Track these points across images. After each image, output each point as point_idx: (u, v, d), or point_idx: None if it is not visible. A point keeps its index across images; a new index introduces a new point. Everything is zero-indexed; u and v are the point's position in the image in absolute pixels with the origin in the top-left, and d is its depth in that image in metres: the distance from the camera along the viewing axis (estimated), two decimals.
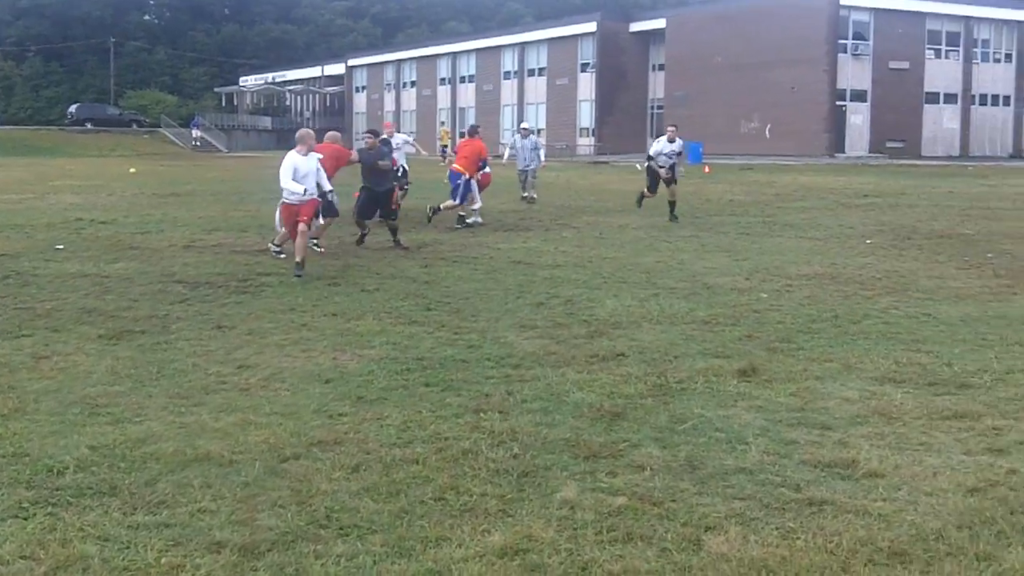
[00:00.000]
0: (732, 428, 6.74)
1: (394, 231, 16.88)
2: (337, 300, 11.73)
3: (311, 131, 14.75)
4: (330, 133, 17.95)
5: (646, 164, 23.19)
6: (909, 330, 10.09)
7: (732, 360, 8.68)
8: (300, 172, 13.98)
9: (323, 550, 4.84)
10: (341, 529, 5.09)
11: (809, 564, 4.64)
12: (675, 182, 22.23)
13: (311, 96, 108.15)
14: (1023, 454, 6.24)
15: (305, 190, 13.86)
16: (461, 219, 20.21)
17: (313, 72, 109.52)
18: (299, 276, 13.13)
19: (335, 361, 8.67)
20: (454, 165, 20.73)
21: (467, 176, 20.17)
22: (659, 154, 22.31)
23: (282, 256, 14.85)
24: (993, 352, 9.06)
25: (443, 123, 79.25)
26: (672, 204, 21.99)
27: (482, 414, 7.01)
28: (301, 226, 13.66)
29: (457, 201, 20.26)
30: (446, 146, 58.70)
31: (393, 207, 17.07)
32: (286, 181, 13.87)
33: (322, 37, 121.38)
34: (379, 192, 16.78)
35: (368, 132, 18.09)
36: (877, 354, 8.96)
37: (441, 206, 20.41)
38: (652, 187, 22.65)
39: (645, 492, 5.54)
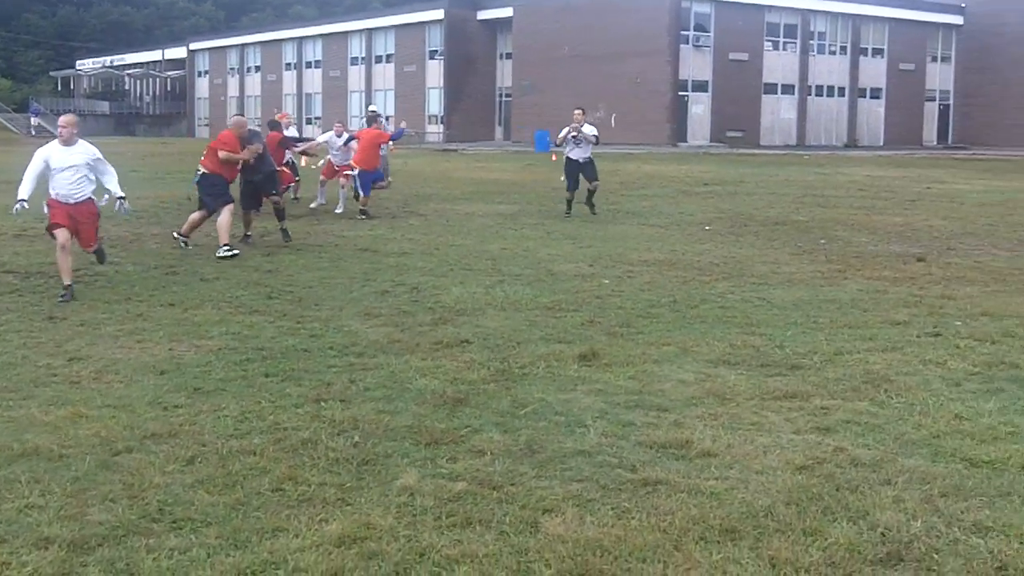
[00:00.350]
0: (572, 411, 6.83)
1: (280, 213, 16.06)
2: (175, 289, 11.47)
3: (74, 116, 11.69)
4: (235, 118, 15.90)
5: (564, 158, 21.08)
6: (744, 314, 10.36)
7: (574, 345, 8.78)
8: (53, 167, 11.10)
9: (155, 544, 4.74)
10: (174, 522, 4.99)
11: (643, 543, 4.73)
12: (596, 178, 20.62)
13: (151, 80, 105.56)
14: (849, 432, 6.47)
15: (20, 205, 11.08)
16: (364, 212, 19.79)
17: (153, 56, 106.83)
18: (64, 299, 10.73)
19: (171, 352, 8.48)
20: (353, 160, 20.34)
21: (358, 169, 19.78)
22: (572, 142, 20.47)
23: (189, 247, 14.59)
24: (823, 334, 9.37)
25: (277, 110, 78.27)
26: (591, 193, 20.54)
27: (323, 403, 6.94)
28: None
29: (362, 193, 19.87)
30: None
31: (281, 188, 16.52)
32: (25, 179, 11.13)
33: (162, 20, 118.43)
34: (257, 180, 15.52)
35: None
36: (713, 337, 9.18)
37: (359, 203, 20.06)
38: (571, 185, 20.53)
39: (485, 477, 5.57)
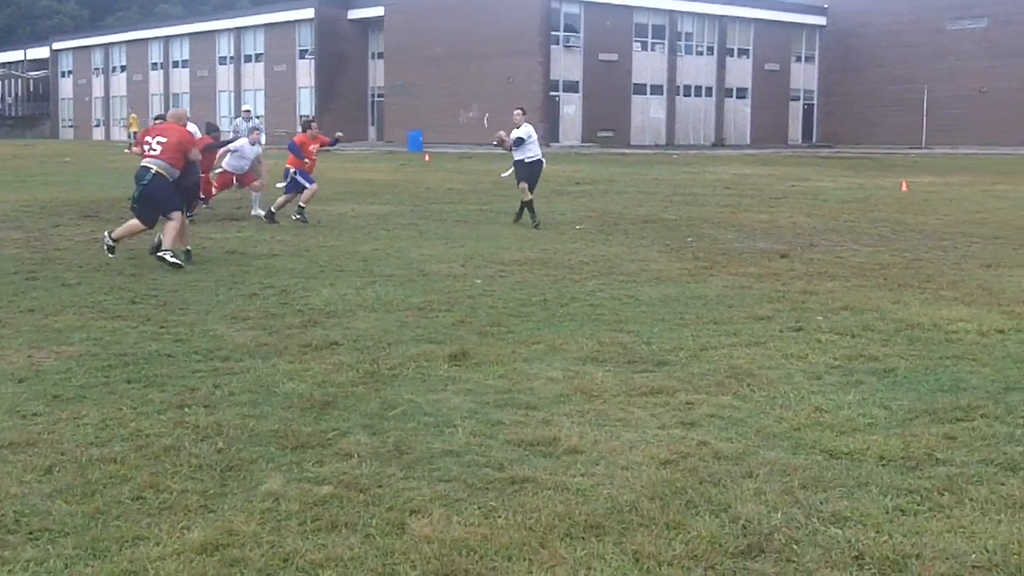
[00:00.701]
0: (441, 412, 6.82)
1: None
2: (35, 295, 11.13)
3: None
4: (174, 111, 14.57)
5: (511, 165, 19.56)
6: (613, 311, 10.48)
7: (444, 345, 8.77)
8: None
9: (11, 556, 4.59)
10: (31, 533, 4.84)
11: (509, 541, 4.74)
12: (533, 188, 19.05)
13: (13, 81, 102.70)
14: (713, 426, 6.59)
15: None
16: (300, 209, 18.71)
17: (15, 56, 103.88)
18: None
19: (30, 359, 8.21)
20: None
21: (292, 169, 18.86)
22: (525, 144, 19.05)
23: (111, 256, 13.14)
24: (689, 330, 9.53)
25: (131, 111, 76.97)
26: (529, 205, 18.94)
27: (186, 409, 6.81)
28: None
29: (287, 193, 18.95)
30: (135, 132, 56.81)
31: (201, 198, 15.03)
32: None
33: (24, 19, 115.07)
34: (184, 185, 13.80)
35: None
36: (582, 335, 9.26)
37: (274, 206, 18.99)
38: (524, 179, 19.11)
39: (352, 479, 5.53)
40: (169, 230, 13.20)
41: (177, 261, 12.99)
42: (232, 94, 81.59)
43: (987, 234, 17.73)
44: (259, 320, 9.89)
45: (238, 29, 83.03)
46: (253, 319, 9.94)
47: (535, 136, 19.56)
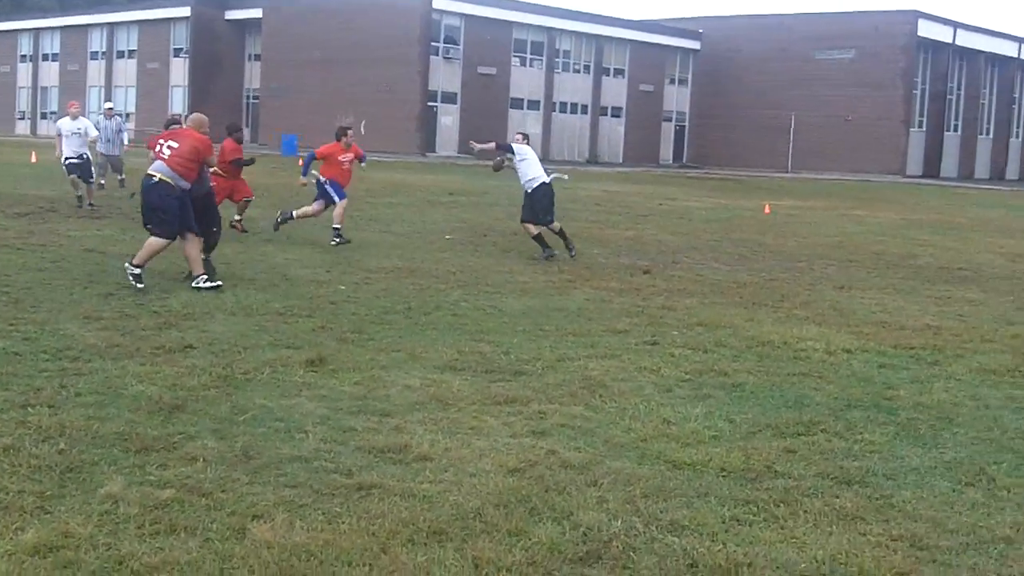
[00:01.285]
0: (293, 417, 6.78)
1: (209, 248, 12.76)
2: None
3: None
4: (195, 116, 13.33)
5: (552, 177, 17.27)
6: (475, 321, 10.54)
7: (302, 351, 8.72)
8: None
9: None
10: None
11: (350, 547, 4.75)
12: (525, 219, 16.75)
13: None
14: (563, 436, 6.68)
15: None
16: (337, 232, 17.14)
17: None
18: None
19: None
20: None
21: (323, 178, 17.44)
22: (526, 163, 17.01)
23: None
24: (548, 341, 9.64)
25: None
26: (560, 234, 16.92)
27: (30, 409, 6.63)
28: None
29: (312, 210, 17.48)
30: None
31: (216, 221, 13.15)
32: None
33: None
34: (195, 197, 12.35)
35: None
36: (443, 344, 9.30)
37: (294, 214, 17.64)
38: (547, 217, 16.78)
39: (195, 484, 5.46)
40: (190, 254, 11.95)
41: (213, 284, 11.72)
42: (103, 89, 79.68)
43: (842, 257, 18.30)
44: (113, 320, 9.69)
45: (111, 24, 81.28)
46: (107, 319, 9.73)
47: (532, 156, 17.24)
